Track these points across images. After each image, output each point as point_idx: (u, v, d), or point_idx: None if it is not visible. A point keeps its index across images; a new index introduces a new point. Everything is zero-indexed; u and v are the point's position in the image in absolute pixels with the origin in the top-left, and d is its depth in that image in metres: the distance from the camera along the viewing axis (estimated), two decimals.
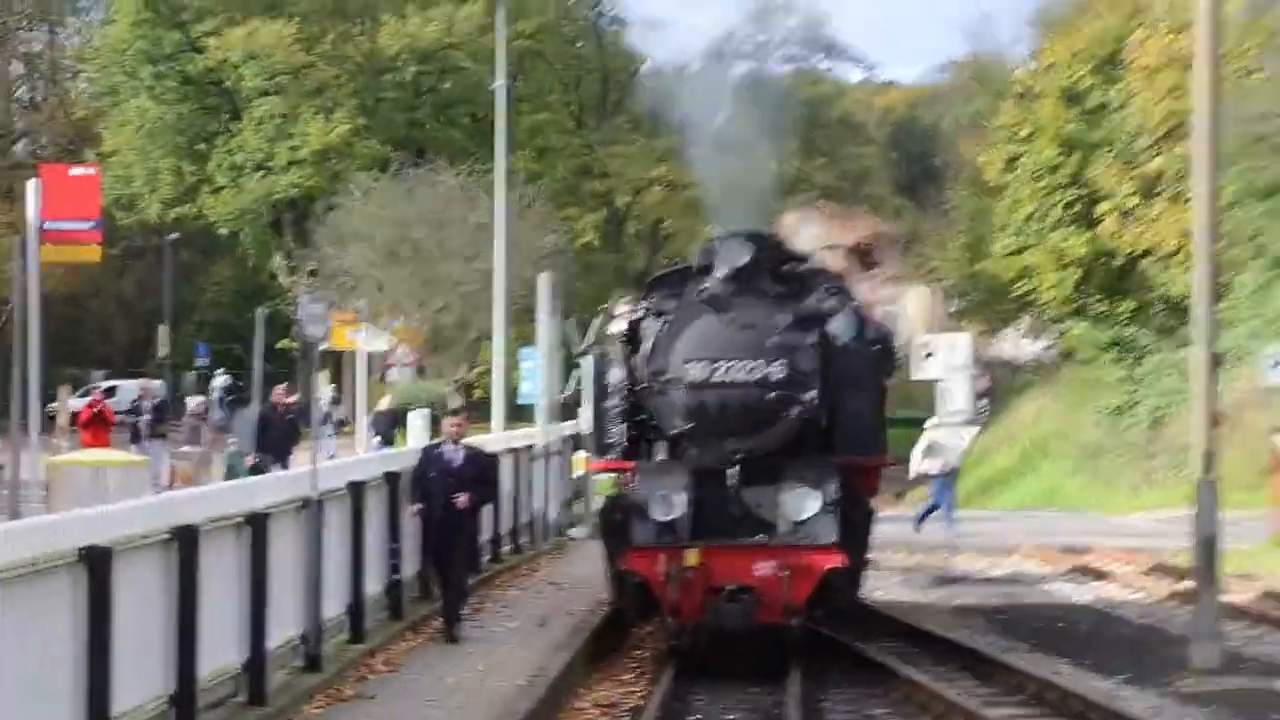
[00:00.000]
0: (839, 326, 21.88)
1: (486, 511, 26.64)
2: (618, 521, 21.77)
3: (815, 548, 20.21)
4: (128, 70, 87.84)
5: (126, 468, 34.15)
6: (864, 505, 22.62)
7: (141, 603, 15.45)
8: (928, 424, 34.86)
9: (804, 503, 20.31)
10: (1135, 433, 57.37)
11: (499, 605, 26.80)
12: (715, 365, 20.59)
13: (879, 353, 22.86)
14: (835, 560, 20.21)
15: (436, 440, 24.74)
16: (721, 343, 20.70)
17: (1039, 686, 22.54)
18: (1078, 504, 51.45)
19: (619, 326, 23.57)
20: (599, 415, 23.20)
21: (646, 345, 21.55)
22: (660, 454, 21.74)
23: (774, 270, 21.40)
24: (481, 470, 22.76)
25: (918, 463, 43.43)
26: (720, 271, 20.90)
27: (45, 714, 13.60)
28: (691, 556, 19.97)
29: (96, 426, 35.38)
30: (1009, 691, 22.53)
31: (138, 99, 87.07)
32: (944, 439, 35.66)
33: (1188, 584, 26.49)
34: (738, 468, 20.73)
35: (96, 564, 14.36)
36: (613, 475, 25.74)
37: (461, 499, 21.53)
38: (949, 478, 42.19)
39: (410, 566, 23.37)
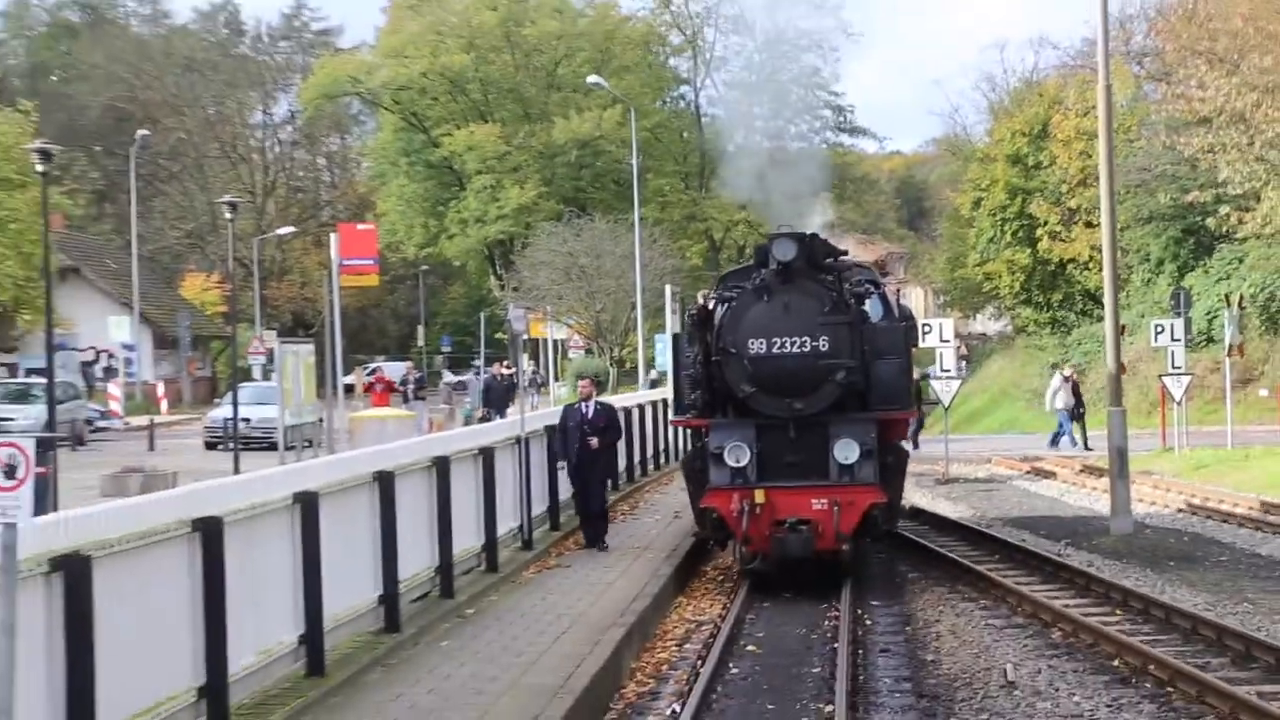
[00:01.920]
0: (870, 307, 19.95)
1: (624, 445, 26.26)
2: (698, 468, 19.43)
3: (859, 486, 18.14)
4: (391, 161, 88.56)
5: (400, 420, 34.40)
6: (897, 451, 20.46)
7: (414, 506, 15.60)
8: (931, 376, 34.45)
9: (848, 450, 18.13)
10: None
11: (648, 504, 26.85)
12: (772, 341, 18.41)
13: (905, 328, 20.45)
14: (876, 497, 18.20)
15: (573, 401, 22.49)
16: (775, 323, 18.48)
17: (1010, 550, 22.44)
18: (1030, 429, 50.96)
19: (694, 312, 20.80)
20: (679, 382, 20.69)
21: (716, 325, 19.11)
22: (730, 413, 19.22)
23: (815, 263, 18.94)
24: (608, 418, 21.46)
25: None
26: (771, 265, 18.61)
27: (368, 570, 13.85)
28: (759, 495, 17.97)
29: (381, 392, 35.48)
30: (989, 553, 22.37)
31: (398, 179, 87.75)
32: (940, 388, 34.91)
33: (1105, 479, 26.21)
34: (793, 423, 18.55)
35: (385, 483, 14.51)
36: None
37: (593, 441, 20.50)
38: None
39: (564, 493, 22.25)
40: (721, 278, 21.90)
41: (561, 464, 21.17)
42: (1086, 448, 38.02)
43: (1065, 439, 39.53)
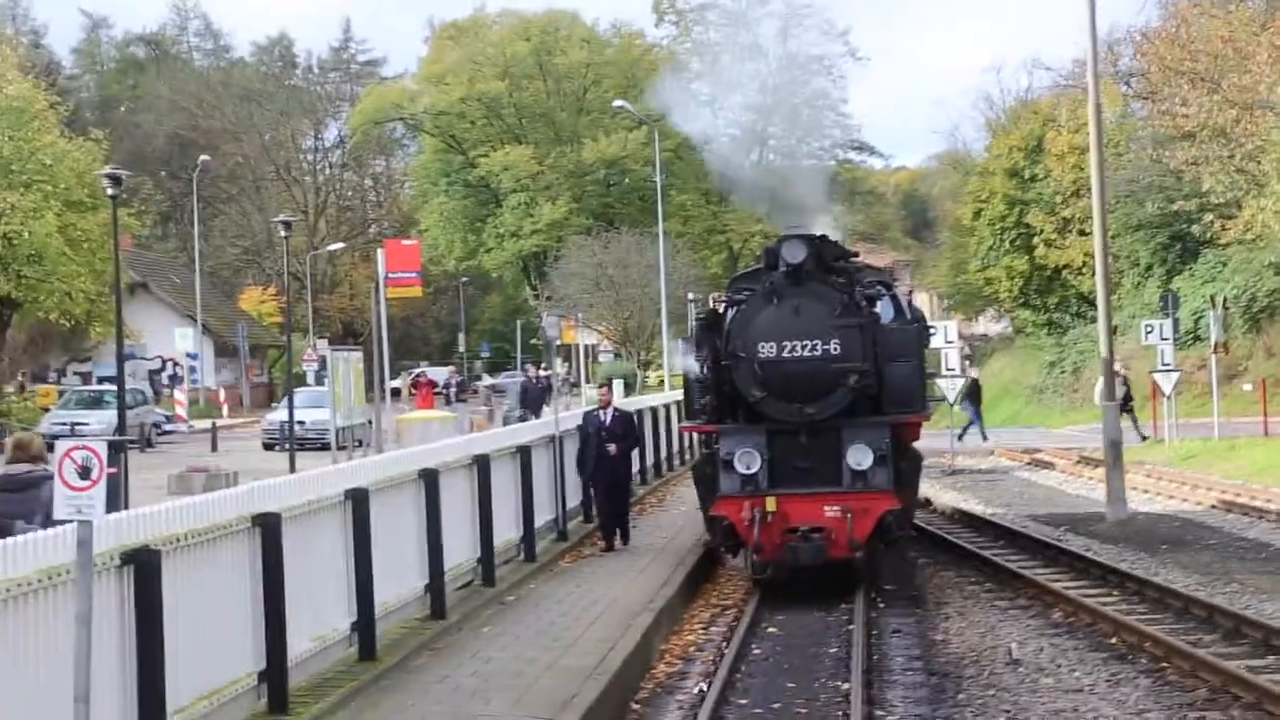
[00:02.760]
0: (882, 309, 18.18)
1: (650, 443, 25.81)
2: (708, 474, 17.60)
3: (873, 493, 16.34)
4: (432, 181, 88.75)
5: (444, 421, 34.38)
6: (912, 455, 18.43)
7: (457, 501, 15.60)
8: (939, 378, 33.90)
9: (862, 456, 16.35)
10: (1063, 378, 56.96)
11: (675, 497, 26.76)
12: (782, 345, 16.71)
13: (917, 329, 18.71)
14: (890, 503, 16.38)
15: (593, 406, 21.01)
16: (785, 327, 16.77)
17: (1013, 535, 22.35)
18: (1030, 423, 50.75)
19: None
20: (688, 387, 19.17)
21: (725, 329, 17.47)
22: (740, 418, 17.44)
23: (826, 265, 17.37)
24: (626, 425, 20.11)
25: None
26: (781, 268, 17.02)
27: (414, 561, 13.90)
28: (770, 503, 16.25)
29: (425, 394, 35.56)
30: (993, 539, 22.27)
31: (438, 197, 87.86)
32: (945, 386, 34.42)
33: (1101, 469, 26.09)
34: (805, 429, 16.84)
35: (430, 480, 14.49)
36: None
37: (611, 448, 19.38)
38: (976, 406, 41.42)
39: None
40: (732, 280, 19.81)
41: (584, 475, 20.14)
42: (1143, 438, 36.75)
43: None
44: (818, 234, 18.13)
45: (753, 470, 16.59)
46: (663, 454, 29.94)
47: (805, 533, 16.27)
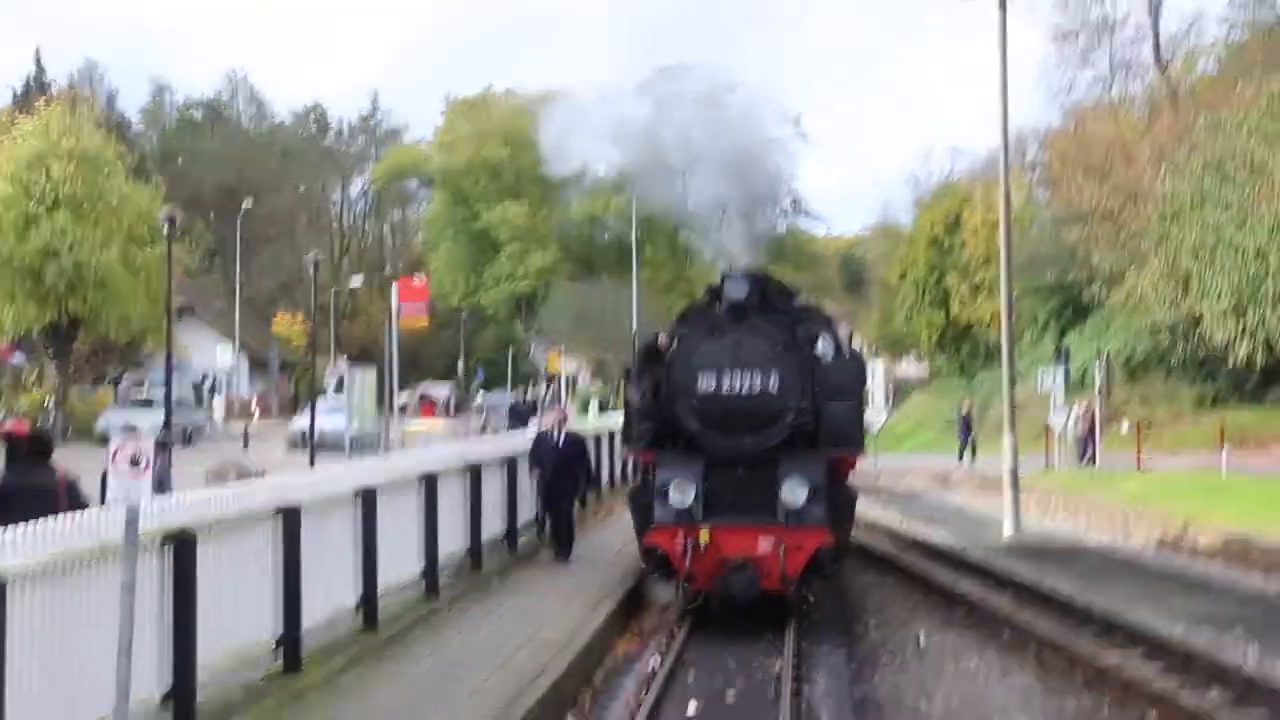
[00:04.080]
0: (822, 347, 15.50)
1: (602, 462, 23.50)
2: (644, 503, 15.08)
3: (807, 528, 14.15)
4: (440, 229, 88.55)
5: (444, 431, 34.25)
6: (847, 491, 16.04)
7: (452, 501, 15.53)
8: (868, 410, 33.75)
9: (797, 491, 14.21)
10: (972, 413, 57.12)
11: (611, 516, 26.29)
12: (721, 379, 14.64)
13: (856, 368, 16.23)
14: (823, 539, 14.20)
15: (545, 429, 18.89)
16: (725, 361, 14.69)
17: (925, 544, 22.37)
18: (944, 450, 50.83)
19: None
20: (628, 415, 16.44)
21: (667, 361, 15.28)
22: (679, 447, 15.05)
23: (769, 303, 15.46)
24: (577, 448, 18.10)
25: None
26: (725, 303, 15.08)
27: (414, 549, 13.86)
28: (704, 534, 14.03)
29: (427, 409, 35.37)
30: (908, 548, 22.28)
31: (445, 243, 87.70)
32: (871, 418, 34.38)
33: (1000, 492, 26.15)
34: (742, 461, 14.70)
35: (430, 482, 14.44)
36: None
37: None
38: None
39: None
40: (681, 315, 17.09)
41: (535, 473, 17.93)
42: (1094, 462, 35.50)
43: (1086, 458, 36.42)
44: (762, 274, 16.25)
45: (688, 501, 14.35)
46: (617, 471, 28.46)
47: (738, 565, 14.04)
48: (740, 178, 19.73)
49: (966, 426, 40.03)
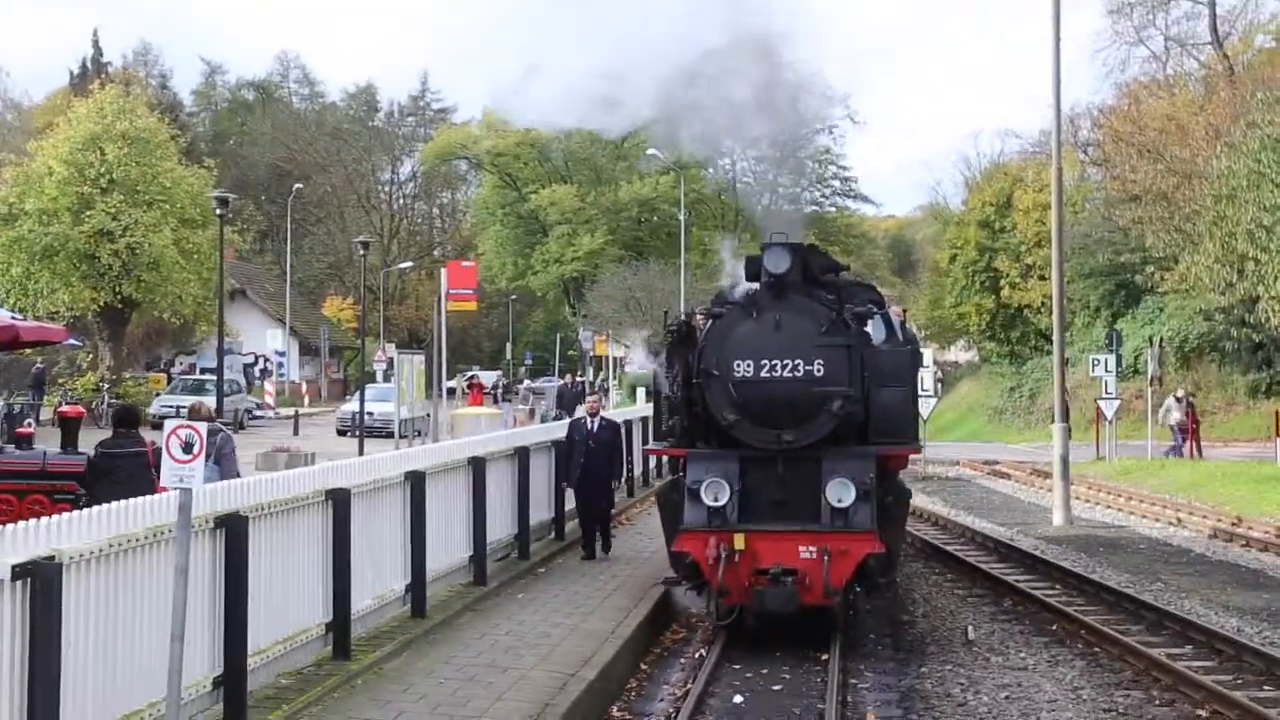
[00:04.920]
0: (873, 330, 13.79)
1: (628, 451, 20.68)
2: (674, 502, 13.47)
3: (855, 533, 12.36)
4: (489, 212, 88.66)
5: (491, 416, 34.32)
6: (900, 491, 14.16)
7: (499, 484, 15.56)
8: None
9: (843, 491, 12.42)
10: (1021, 401, 56.73)
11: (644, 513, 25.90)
12: (760, 364, 12.84)
13: (910, 352, 14.18)
14: (873, 545, 12.43)
15: (581, 415, 17.70)
16: (764, 344, 12.90)
17: (973, 532, 22.25)
18: (991, 439, 50.55)
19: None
20: (657, 404, 14.69)
21: (699, 344, 13.37)
22: (711, 442, 13.34)
23: (812, 278, 13.46)
24: (612, 433, 16.68)
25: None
26: (764, 278, 13.14)
27: (462, 535, 13.81)
28: (739, 540, 12.40)
29: (475, 393, 35.44)
30: (956, 537, 22.17)
31: (494, 226, 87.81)
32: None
33: (1051, 480, 25.96)
34: (781, 457, 12.89)
35: (478, 465, 14.49)
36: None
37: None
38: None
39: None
40: (718, 294, 15.08)
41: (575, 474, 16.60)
42: (1198, 454, 34.40)
43: (1175, 451, 35.15)
44: (805, 243, 14.17)
45: (721, 502, 12.69)
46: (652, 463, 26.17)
47: (776, 575, 12.36)
48: (786, 160, 18.74)
49: (1191, 415, 35.73)
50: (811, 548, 12.43)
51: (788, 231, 13.85)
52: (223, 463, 11.94)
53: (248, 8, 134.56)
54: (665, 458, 16.23)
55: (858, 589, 12.85)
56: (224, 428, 14.24)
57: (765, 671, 12.36)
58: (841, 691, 11.32)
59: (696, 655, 12.75)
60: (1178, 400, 36.34)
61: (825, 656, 12.54)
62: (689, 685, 11.45)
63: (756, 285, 13.50)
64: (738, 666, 12.43)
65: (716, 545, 12.40)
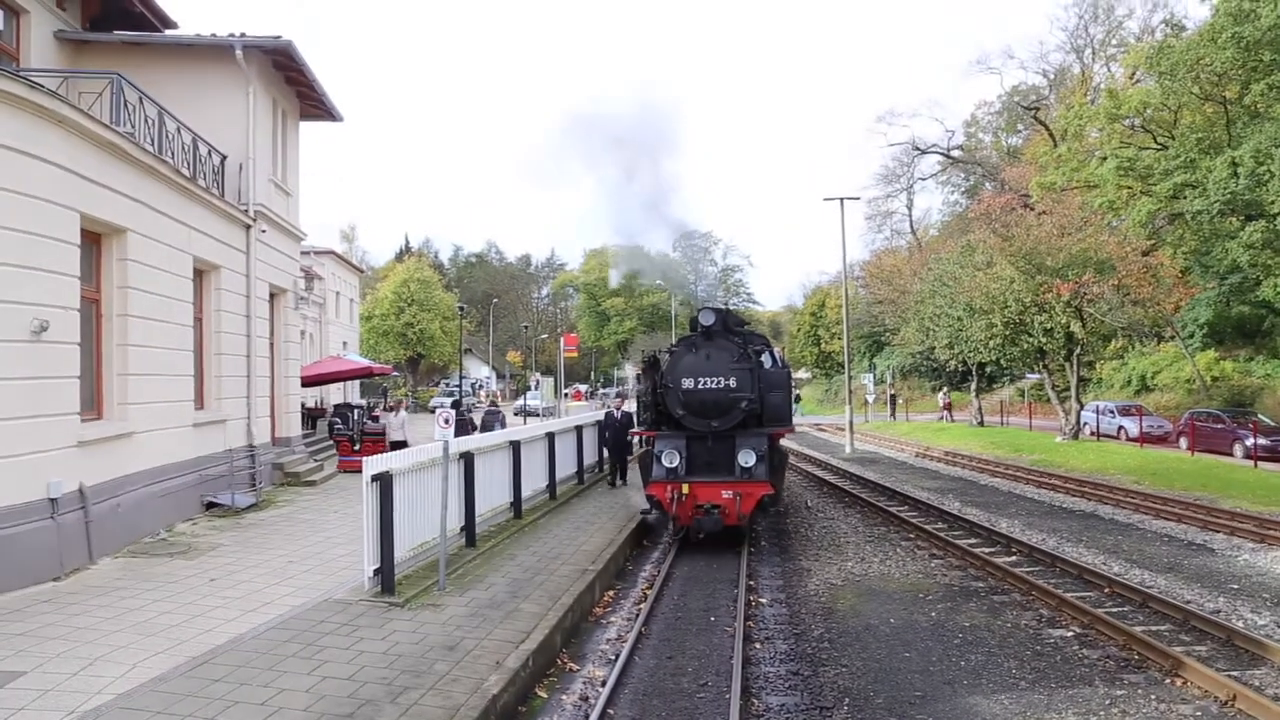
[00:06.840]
0: (765, 359, 12.26)
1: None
2: (648, 464, 11.13)
3: (755, 482, 10.51)
4: (584, 311, 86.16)
5: (583, 406, 32.85)
6: (781, 454, 11.64)
7: (565, 448, 13.20)
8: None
9: (748, 457, 10.56)
10: (830, 395, 54.52)
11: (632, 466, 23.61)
12: (698, 380, 10.97)
13: (787, 372, 12.23)
14: (766, 489, 10.51)
15: (611, 408, 15.11)
16: (700, 367, 11.03)
17: (808, 456, 21.05)
18: (818, 414, 47.13)
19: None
20: (638, 405, 12.28)
21: (662, 369, 11.36)
22: (670, 427, 11.18)
23: (729, 328, 11.63)
24: (626, 419, 14.33)
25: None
26: (699, 328, 11.33)
27: (503, 489, 10.61)
28: (685, 487, 10.56)
29: (577, 396, 34.52)
30: (800, 460, 20.76)
31: (585, 317, 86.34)
32: None
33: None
34: (711, 436, 10.90)
35: (550, 437, 12.10)
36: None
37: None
38: None
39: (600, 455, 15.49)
40: (676, 341, 12.82)
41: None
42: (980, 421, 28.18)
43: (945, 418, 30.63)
44: (724, 308, 12.28)
45: (675, 464, 10.75)
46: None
47: (709, 508, 10.59)
48: (713, 287, 18.15)
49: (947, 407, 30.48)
50: (729, 492, 10.60)
51: (711, 303, 13.55)
52: (496, 425, 11.67)
53: (471, 221, 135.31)
54: (641, 437, 14.30)
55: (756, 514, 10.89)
56: (502, 410, 13.30)
57: (702, 562, 10.71)
58: (749, 566, 10.04)
59: (663, 553, 10.81)
60: (943, 394, 33.65)
61: (738, 549, 10.94)
62: (660, 567, 10.34)
63: (696, 333, 11.69)
64: (686, 558, 11.03)
65: (672, 490, 10.63)
